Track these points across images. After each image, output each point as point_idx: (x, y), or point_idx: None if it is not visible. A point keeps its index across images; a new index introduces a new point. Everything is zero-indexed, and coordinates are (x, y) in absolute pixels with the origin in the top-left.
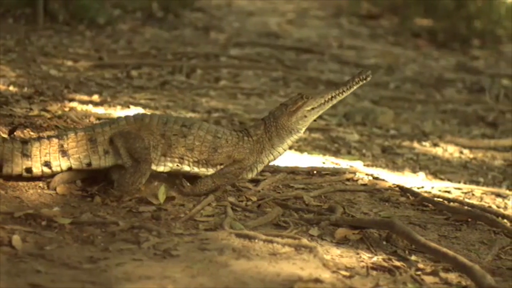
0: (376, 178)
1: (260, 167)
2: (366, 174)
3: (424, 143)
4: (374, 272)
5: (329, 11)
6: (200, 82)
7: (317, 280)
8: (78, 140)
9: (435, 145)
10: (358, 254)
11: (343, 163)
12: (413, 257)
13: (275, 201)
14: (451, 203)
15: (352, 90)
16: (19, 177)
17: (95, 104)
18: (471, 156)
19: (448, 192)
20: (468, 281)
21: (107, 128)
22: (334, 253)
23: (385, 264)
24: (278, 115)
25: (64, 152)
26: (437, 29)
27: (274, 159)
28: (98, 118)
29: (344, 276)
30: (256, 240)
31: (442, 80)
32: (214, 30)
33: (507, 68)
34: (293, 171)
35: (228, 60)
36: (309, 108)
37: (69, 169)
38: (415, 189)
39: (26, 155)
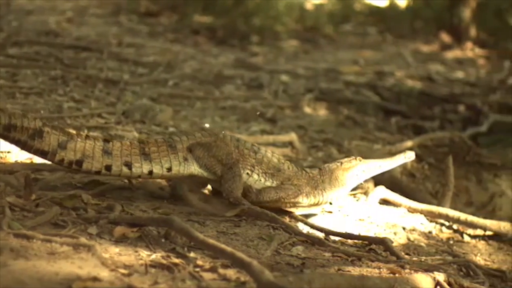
0: None
1: (314, 200)
2: None
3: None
4: (153, 270)
5: (108, 9)
6: None
7: (95, 279)
8: (158, 145)
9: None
10: (137, 252)
11: None
12: (192, 254)
13: (54, 200)
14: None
15: (396, 165)
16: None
17: None
18: None
19: None
20: (247, 277)
21: (184, 138)
22: (113, 251)
23: (164, 262)
24: (333, 168)
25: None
26: (216, 26)
27: (322, 202)
28: None
29: (122, 274)
30: (35, 240)
31: (221, 77)
32: None
33: (286, 64)
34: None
35: (6, 59)
36: (361, 170)
37: (150, 173)
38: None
39: (107, 152)
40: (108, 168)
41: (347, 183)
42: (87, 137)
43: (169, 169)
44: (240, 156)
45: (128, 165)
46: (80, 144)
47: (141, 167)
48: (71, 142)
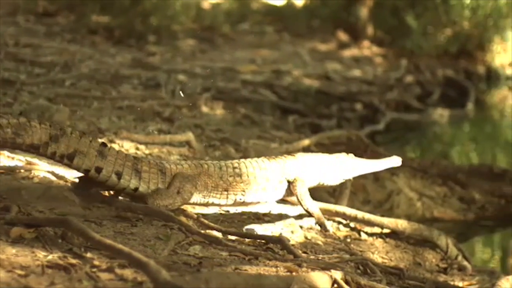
0: (54, 175)
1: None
2: (46, 171)
3: (99, 140)
4: (50, 270)
5: (5, 9)
6: None
7: None
8: (150, 166)
9: (111, 141)
10: (33, 252)
11: (21, 158)
12: (88, 254)
13: None
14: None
15: (383, 168)
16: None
17: None
18: (147, 151)
19: None
20: (144, 276)
21: (174, 166)
22: (10, 252)
23: (61, 262)
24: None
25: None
26: (114, 25)
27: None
28: None
29: (19, 275)
30: None
31: (118, 77)
32: None
33: (183, 64)
34: None
35: None
36: (351, 167)
37: (135, 190)
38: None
39: (102, 154)
40: (98, 170)
41: (338, 177)
42: (83, 134)
43: None
44: (228, 186)
45: (118, 175)
46: (74, 140)
47: (130, 181)
48: (64, 137)
